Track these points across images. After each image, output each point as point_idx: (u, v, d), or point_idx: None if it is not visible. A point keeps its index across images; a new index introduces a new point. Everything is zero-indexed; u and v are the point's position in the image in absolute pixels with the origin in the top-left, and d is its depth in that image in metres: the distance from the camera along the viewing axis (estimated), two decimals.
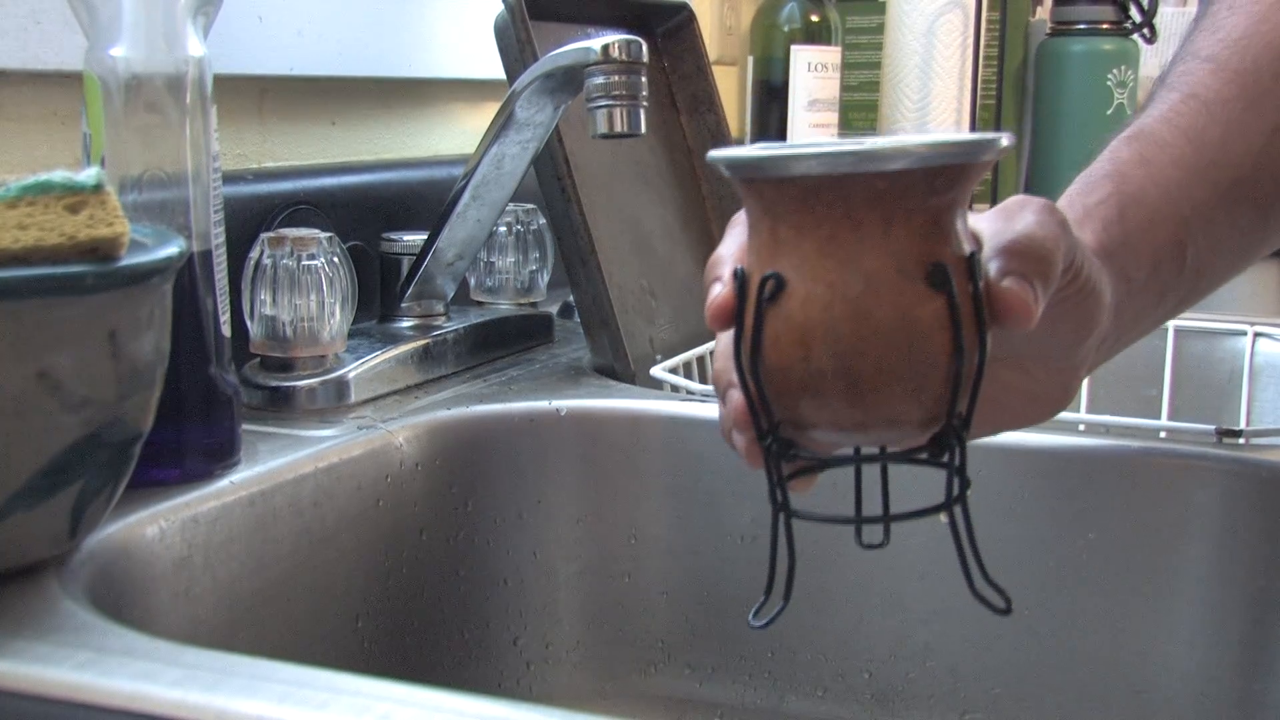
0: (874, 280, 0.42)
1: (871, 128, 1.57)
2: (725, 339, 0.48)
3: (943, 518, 0.46)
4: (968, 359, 0.43)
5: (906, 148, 0.42)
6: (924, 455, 0.46)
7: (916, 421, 0.44)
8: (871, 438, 0.46)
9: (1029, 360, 0.54)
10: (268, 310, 0.74)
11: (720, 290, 0.46)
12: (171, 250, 0.51)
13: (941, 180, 0.43)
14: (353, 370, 0.77)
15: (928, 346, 0.43)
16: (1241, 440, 0.71)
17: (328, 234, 0.76)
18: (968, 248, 0.44)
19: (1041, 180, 1.69)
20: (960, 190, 0.44)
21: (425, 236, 0.86)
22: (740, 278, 0.45)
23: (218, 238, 0.63)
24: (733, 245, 0.49)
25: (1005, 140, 0.43)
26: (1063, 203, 0.61)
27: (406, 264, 0.87)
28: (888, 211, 0.42)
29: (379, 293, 0.88)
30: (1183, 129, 0.63)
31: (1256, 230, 0.65)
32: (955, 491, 0.46)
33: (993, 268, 0.46)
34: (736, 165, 0.44)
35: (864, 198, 0.42)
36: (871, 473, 0.50)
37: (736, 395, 0.46)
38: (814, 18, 1.43)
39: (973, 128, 1.48)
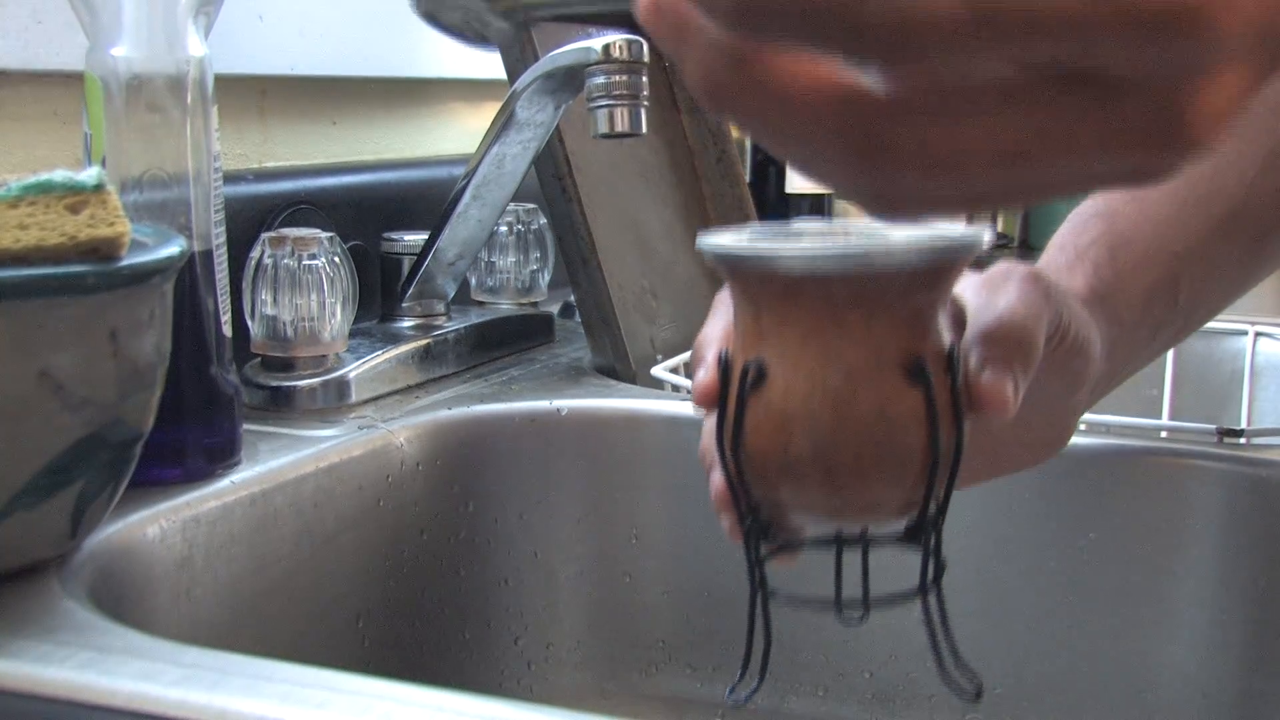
0: (854, 373, 0.44)
1: None
2: (711, 418, 0.49)
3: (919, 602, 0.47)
4: (944, 451, 0.45)
5: (890, 249, 0.43)
6: (900, 540, 0.47)
7: (894, 508, 0.46)
8: (849, 522, 0.47)
9: (1023, 410, 0.55)
10: (268, 310, 0.75)
11: (704, 376, 0.47)
12: (172, 250, 0.51)
13: (924, 279, 0.44)
14: (354, 370, 0.77)
15: (905, 439, 0.44)
16: (1242, 440, 0.71)
17: (328, 234, 0.76)
18: (948, 339, 0.46)
19: None
20: (942, 287, 0.46)
21: (426, 236, 0.86)
22: (723, 363, 0.46)
23: (218, 237, 0.63)
24: (717, 328, 0.50)
25: (987, 237, 0.44)
26: (1054, 243, 0.62)
27: (407, 264, 0.87)
28: (870, 308, 0.44)
29: (380, 292, 0.88)
30: None
31: (1250, 261, 0.65)
32: (930, 576, 0.47)
33: (972, 357, 0.47)
34: (722, 257, 0.45)
35: (846, 295, 0.44)
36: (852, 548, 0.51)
37: (718, 476, 0.47)
38: None
39: None
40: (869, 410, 0.44)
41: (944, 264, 0.45)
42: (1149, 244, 0.61)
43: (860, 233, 0.49)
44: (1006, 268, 0.52)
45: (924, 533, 0.47)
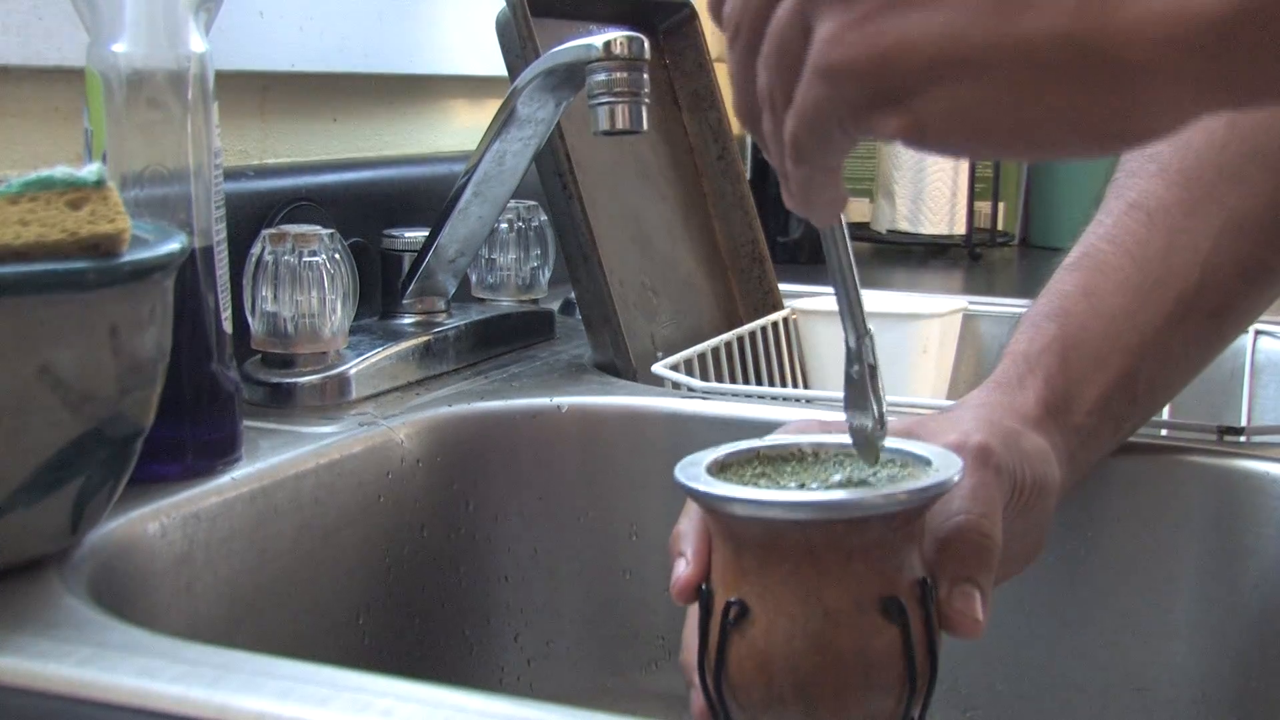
0: (833, 614, 0.46)
1: None
2: (690, 632, 0.51)
3: None
4: (920, 677, 0.47)
5: (865, 501, 0.45)
6: None
7: None
8: None
9: None
10: (269, 306, 0.75)
11: (684, 570, 0.49)
12: (173, 246, 0.51)
13: (899, 521, 0.46)
14: (354, 367, 0.77)
15: (884, 672, 0.46)
16: (1243, 438, 0.71)
17: (329, 230, 0.76)
18: (920, 570, 0.47)
19: (1042, 178, 1.69)
20: (916, 526, 0.48)
21: (427, 233, 0.86)
22: (704, 598, 0.48)
23: (219, 234, 0.63)
24: (693, 524, 0.51)
25: (958, 477, 0.47)
26: (1008, 351, 0.62)
27: (408, 260, 0.87)
28: (848, 552, 0.45)
29: (380, 289, 0.88)
30: (1126, 247, 0.63)
31: (1211, 338, 0.65)
32: None
33: (940, 583, 0.48)
34: (701, 498, 0.47)
35: (825, 539, 0.45)
36: None
37: (698, 699, 0.49)
38: None
39: None
40: (849, 649, 0.45)
41: (919, 509, 0.47)
42: (1102, 343, 0.61)
43: (830, 451, 0.51)
44: (956, 442, 0.52)
45: None
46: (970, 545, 0.49)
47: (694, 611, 0.51)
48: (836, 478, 0.49)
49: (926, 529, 0.49)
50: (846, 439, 0.50)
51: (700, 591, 0.49)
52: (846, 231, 0.47)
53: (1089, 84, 0.33)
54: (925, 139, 0.36)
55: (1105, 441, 0.63)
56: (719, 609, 0.47)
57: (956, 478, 0.46)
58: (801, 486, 0.48)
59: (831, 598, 0.45)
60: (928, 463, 0.48)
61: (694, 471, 0.48)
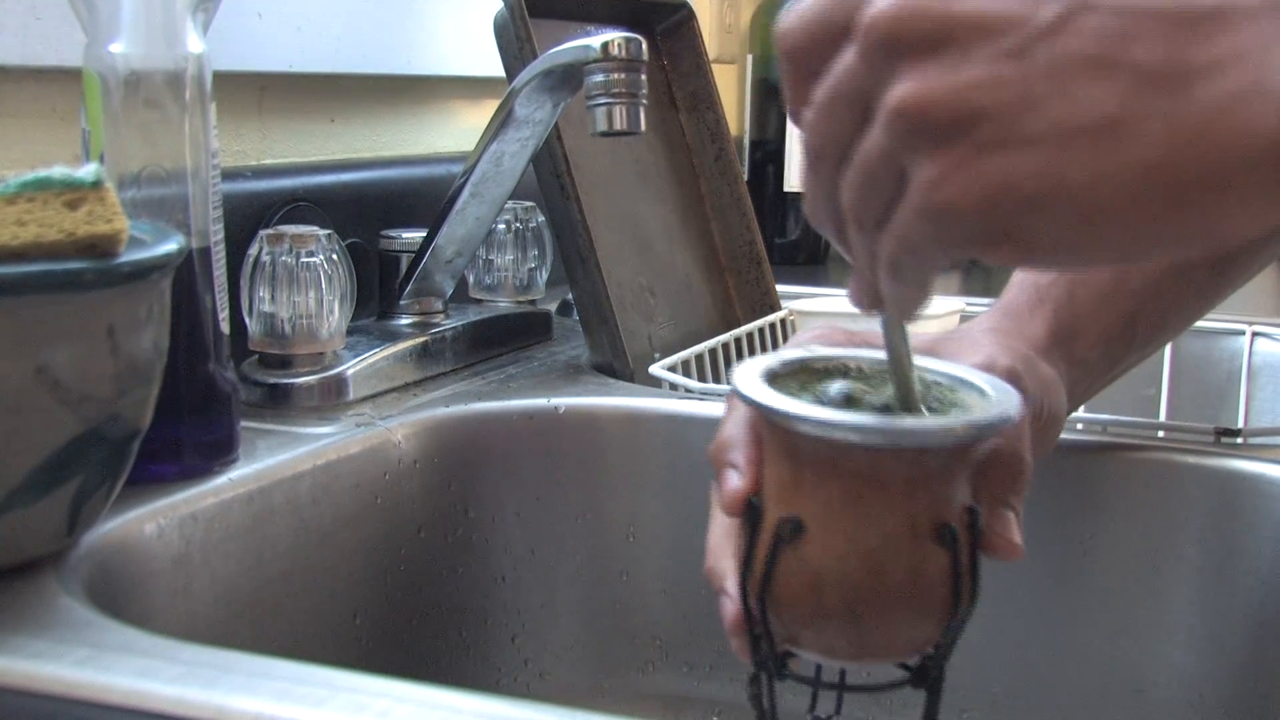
0: (890, 538, 0.45)
1: None
2: (717, 537, 0.51)
3: None
4: (965, 603, 0.47)
5: (935, 429, 0.44)
6: (907, 684, 0.49)
7: (906, 652, 0.48)
8: (860, 662, 0.49)
9: None
10: (266, 307, 0.74)
11: (736, 483, 0.48)
12: (170, 247, 0.51)
13: (963, 452, 0.46)
14: (351, 367, 0.77)
15: (931, 596, 0.46)
16: (1239, 440, 0.71)
17: (326, 231, 0.76)
18: (970, 496, 0.47)
19: None
20: (973, 452, 0.47)
21: (424, 234, 0.86)
22: (755, 513, 0.47)
23: (217, 235, 0.63)
24: (739, 431, 0.50)
25: (1018, 413, 0.46)
26: (1015, 281, 0.63)
27: (405, 261, 0.87)
28: (911, 478, 0.45)
29: (378, 290, 0.88)
30: None
31: (1210, 289, 0.67)
32: (932, 714, 0.49)
33: (981, 507, 0.48)
34: (774, 414, 0.46)
35: (891, 464, 0.45)
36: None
37: (732, 609, 0.49)
38: None
39: None
40: (901, 572, 0.45)
41: (987, 439, 0.47)
42: (1107, 282, 0.62)
43: (874, 366, 0.50)
44: (983, 364, 0.53)
45: (930, 675, 0.49)
46: (1007, 469, 0.50)
47: (721, 519, 0.50)
48: (889, 395, 0.48)
49: None
50: (880, 354, 0.49)
51: (749, 505, 0.47)
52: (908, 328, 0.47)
53: (1182, 205, 0.35)
54: (1029, 262, 0.38)
55: (1099, 378, 0.64)
56: (770, 523, 0.46)
57: (1017, 414, 0.46)
58: (853, 404, 0.47)
59: (890, 521, 0.45)
60: (979, 390, 0.48)
61: (752, 383, 0.47)
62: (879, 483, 0.45)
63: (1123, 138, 0.35)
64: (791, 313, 1.07)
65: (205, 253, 0.62)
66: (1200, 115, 0.35)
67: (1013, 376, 0.54)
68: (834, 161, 0.40)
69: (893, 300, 0.42)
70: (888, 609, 0.46)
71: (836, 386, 0.48)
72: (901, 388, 0.47)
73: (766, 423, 0.47)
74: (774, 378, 0.48)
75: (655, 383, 0.83)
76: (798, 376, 0.50)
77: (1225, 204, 0.35)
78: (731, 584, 0.49)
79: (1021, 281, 0.63)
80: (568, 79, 0.77)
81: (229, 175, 0.80)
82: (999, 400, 0.46)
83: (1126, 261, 0.40)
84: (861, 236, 0.41)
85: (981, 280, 1.48)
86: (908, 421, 0.45)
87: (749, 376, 0.47)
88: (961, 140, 0.36)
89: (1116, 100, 0.35)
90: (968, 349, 0.55)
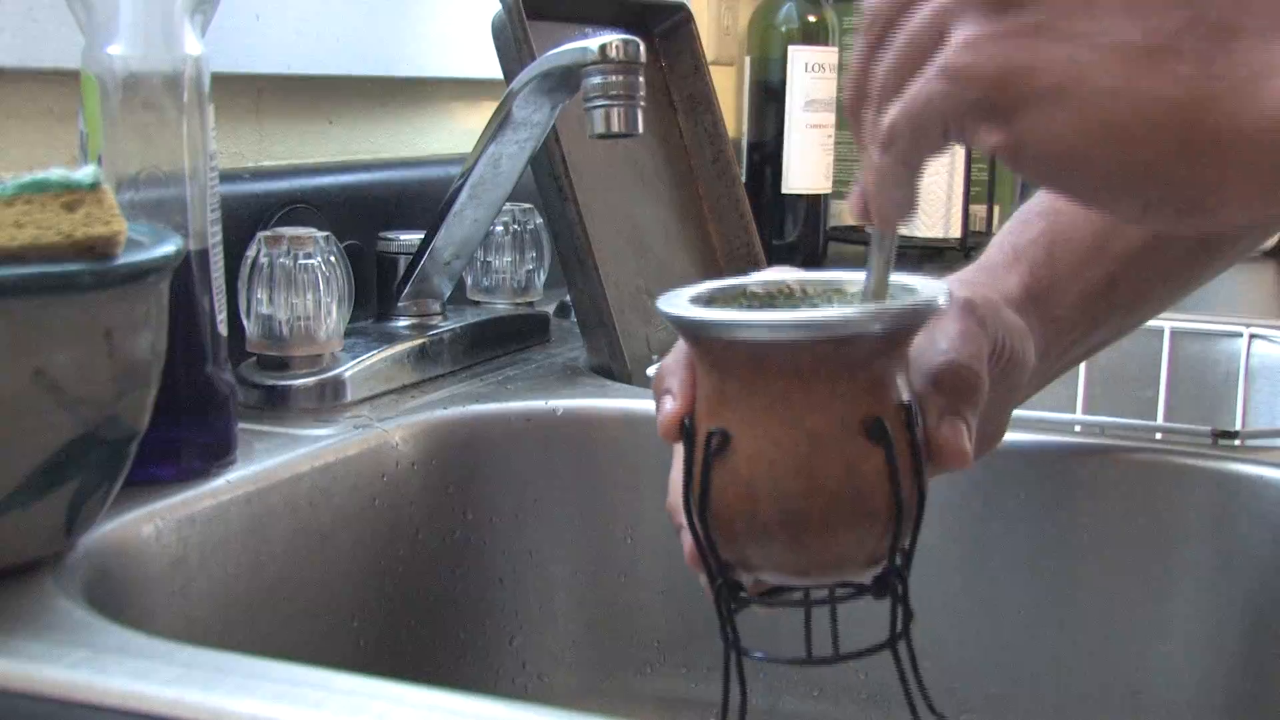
0: (818, 438, 0.44)
1: None
2: (677, 472, 0.50)
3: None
4: (908, 505, 0.45)
5: (852, 318, 0.44)
6: (869, 594, 0.48)
7: (860, 564, 0.46)
8: (816, 580, 0.48)
9: None
10: (264, 309, 0.74)
11: (670, 406, 0.48)
12: (168, 249, 0.51)
13: (885, 342, 0.45)
14: (349, 369, 0.77)
15: (870, 498, 0.45)
16: (1237, 441, 0.71)
17: (324, 233, 0.76)
18: (905, 394, 0.46)
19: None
20: (904, 348, 0.46)
21: (422, 236, 0.86)
22: (687, 430, 0.47)
23: (214, 236, 0.63)
24: (679, 359, 0.50)
25: (944, 300, 0.45)
26: (995, 241, 0.63)
27: (403, 263, 0.87)
28: (833, 374, 0.44)
29: (375, 292, 0.88)
30: None
31: (1194, 262, 0.66)
32: (899, 627, 0.48)
33: (927, 410, 0.48)
34: (684, 324, 0.45)
35: (810, 362, 0.44)
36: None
37: (688, 537, 0.48)
38: (811, 18, 1.43)
39: None
40: (834, 474, 0.44)
41: (908, 328, 0.45)
42: (1088, 245, 0.62)
43: (819, 287, 0.50)
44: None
45: (891, 584, 0.47)
46: (960, 380, 0.50)
47: (679, 452, 0.49)
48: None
49: (915, 366, 0.49)
50: (831, 276, 0.49)
51: (684, 427, 0.47)
52: (895, 246, 0.46)
53: (1183, 151, 0.36)
54: (1019, 158, 0.39)
55: (1077, 344, 0.64)
56: (701, 440, 0.46)
57: (943, 300, 0.45)
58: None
59: (815, 421, 0.44)
60: (913, 290, 0.46)
61: (677, 301, 0.46)
62: (801, 382, 0.44)
63: (1157, 66, 0.36)
64: None
65: (203, 255, 0.62)
66: (1233, 75, 0.36)
67: (969, 305, 0.53)
68: (885, 28, 0.41)
69: (877, 179, 0.42)
70: (826, 517, 0.44)
71: (777, 304, 0.48)
72: (877, 294, 0.46)
73: (691, 340, 0.46)
74: (709, 302, 0.48)
75: None
76: (737, 301, 0.49)
77: (1225, 168, 0.36)
78: (684, 515, 0.48)
79: (1000, 242, 0.63)
80: (566, 81, 0.77)
81: (227, 177, 0.80)
82: (924, 292, 0.45)
83: (1099, 202, 0.40)
84: (876, 109, 0.41)
85: None
86: (821, 311, 0.45)
87: (677, 298, 0.47)
88: (1010, 15, 0.38)
89: (1168, 32, 0.36)
90: None
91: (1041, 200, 0.64)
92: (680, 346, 0.50)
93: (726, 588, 0.48)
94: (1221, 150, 0.36)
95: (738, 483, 0.45)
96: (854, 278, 0.48)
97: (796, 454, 0.44)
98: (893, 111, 0.41)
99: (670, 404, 0.48)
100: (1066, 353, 0.63)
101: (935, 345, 0.50)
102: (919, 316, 0.45)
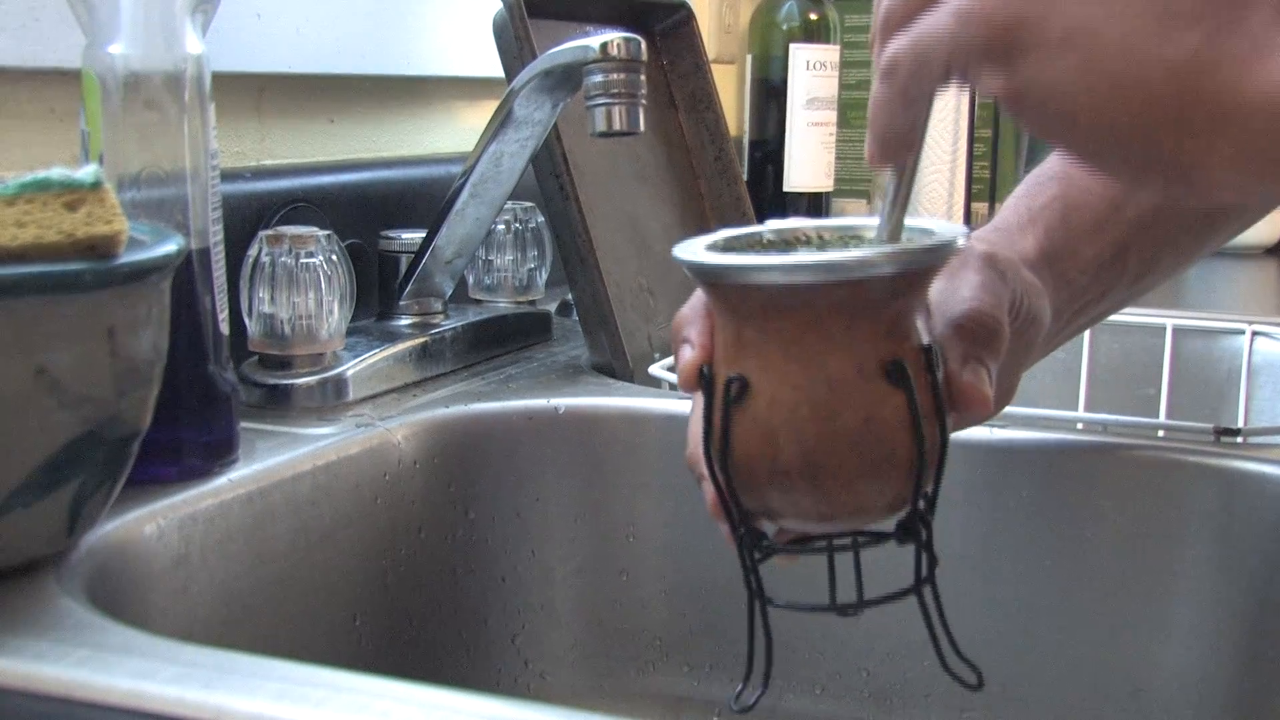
0: (837, 382, 0.44)
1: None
2: (695, 422, 0.50)
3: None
4: (929, 449, 0.45)
5: (868, 259, 0.43)
6: (892, 540, 0.48)
7: (883, 509, 0.46)
8: (839, 526, 0.47)
9: None
10: (266, 308, 0.74)
11: (689, 355, 0.47)
12: (170, 248, 0.51)
13: (902, 284, 0.44)
14: (351, 368, 0.77)
15: (890, 441, 0.44)
16: (1239, 439, 0.71)
17: (326, 232, 0.76)
18: (925, 338, 0.46)
19: None
20: (922, 290, 0.46)
21: (424, 234, 0.86)
22: (706, 377, 0.46)
23: (216, 235, 0.63)
24: (696, 307, 0.50)
25: (962, 240, 0.45)
26: (1009, 203, 0.63)
27: (405, 262, 0.87)
28: (850, 316, 0.44)
29: (377, 291, 0.88)
30: None
31: (1202, 231, 0.67)
32: (924, 572, 0.47)
33: (949, 355, 0.48)
34: (701, 270, 0.45)
35: (828, 305, 0.43)
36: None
37: (710, 487, 0.48)
38: (813, 16, 1.43)
39: (971, 123, 1.48)
40: (854, 417, 0.44)
41: (925, 269, 0.45)
42: (1101, 209, 0.62)
43: (835, 233, 0.49)
44: (963, 253, 0.53)
45: (915, 530, 0.47)
46: (982, 327, 0.50)
47: (698, 401, 0.48)
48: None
49: (937, 314, 0.48)
50: (848, 222, 0.49)
51: (703, 375, 0.47)
52: (910, 189, 0.45)
53: (1176, 119, 0.37)
54: (1018, 105, 0.39)
55: (1090, 307, 0.64)
56: (720, 387, 0.45)
57: (961, 241, 0.44)
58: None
59: (834, 364, 0.43)
60: (930, 233, 0.46)
61: (694, 248, 0.46)
62: (818, 325, 0.43)
63: (1166, 30, 0.36)
64: None
65: (205, 254, 0.62)
66: (1236, 47, 0.36)
67: (990, 258, 0.53)
68: None
69: (877, 111, 0.42)
70: (847, 459, 0.44)
71: (778, 244, 0.47)
72: (893, 236, 0.46)
73: (708, 287, 0.46)
74: (726, 249, 0.48)
75: (655, 383, 0.83)
76: (754, 249, 0.49)
77: (1210, 140, 0.37)
78: (705, 465, 0.48)
79: (1014, 205, 0.63)
80: (567, 79, 0.77)
81: (228, 176, 0.80)
82: (940, 234, 0.45)
83: (1103, 152, 0.40)
84: (882, 40, 0.42)
85: None
86: (838, 254, 0.44)
87: (693, 245, 0.46)
88: None
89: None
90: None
91: (1054, 164, 0.64)
92: (698, 295, 0.49)
93: (749, 535, 0.48)
94: (1211, 123, 0.36)
95: (758, 429, 0.45)
96: (870, 223, 0.48)
97: (816, 398, 0.44)
98: (898, 41, 0.41)
99: (689, 352, 0.47)
100: (1075, 318, 0.63)
101: (958, 293, 0.51)
102: (936, 256, 0.44)
